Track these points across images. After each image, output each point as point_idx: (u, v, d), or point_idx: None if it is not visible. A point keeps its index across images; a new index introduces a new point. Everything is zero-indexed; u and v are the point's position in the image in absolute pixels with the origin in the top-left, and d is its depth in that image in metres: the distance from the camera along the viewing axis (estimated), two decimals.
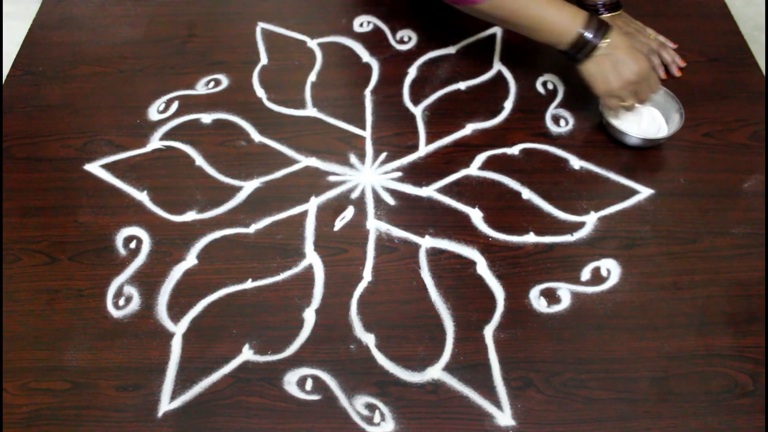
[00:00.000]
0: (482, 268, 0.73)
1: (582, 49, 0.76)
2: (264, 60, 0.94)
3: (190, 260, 0.74)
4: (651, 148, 0.83)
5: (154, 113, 0.88)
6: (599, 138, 0.85)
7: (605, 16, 0.92)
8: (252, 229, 0.77)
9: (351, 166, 0.83)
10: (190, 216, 0.78)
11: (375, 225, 0.77)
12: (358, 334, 0.69)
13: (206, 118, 0.87)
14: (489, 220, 0.77)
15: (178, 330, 0.69)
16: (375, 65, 0.93)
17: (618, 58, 0.76)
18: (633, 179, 0.81)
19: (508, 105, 0.88)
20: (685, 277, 0.73)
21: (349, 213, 0.78)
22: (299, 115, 0.88)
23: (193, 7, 1.01)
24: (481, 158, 0.83)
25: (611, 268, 0.73)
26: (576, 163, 0.82)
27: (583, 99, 0.88)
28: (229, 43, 0.96)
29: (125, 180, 0.81)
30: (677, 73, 0.90)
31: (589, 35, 0.75)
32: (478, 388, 0.65)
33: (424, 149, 0.84)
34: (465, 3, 0.77)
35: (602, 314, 0.70)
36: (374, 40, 0.96)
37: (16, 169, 0.83)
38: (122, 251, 0.75)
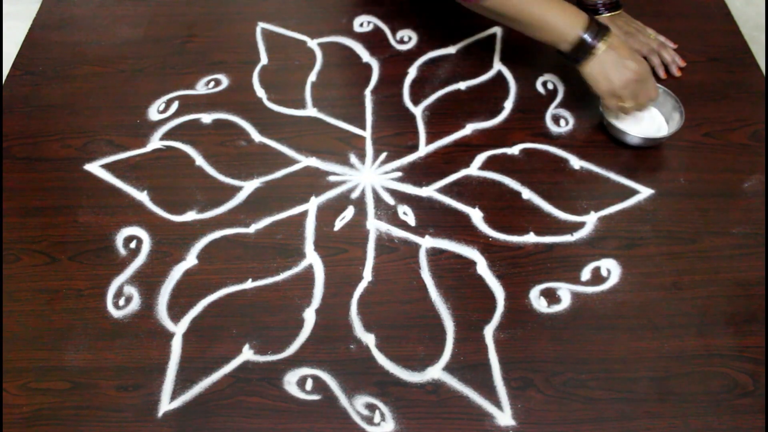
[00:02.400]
0: (482, 268, 0.73)
1: (580, 50, 0.77)
2: (264, 60, 0.94)
3: (190, 260, 0.74)
4: (651, 148, 0.83)
5: (154, 113, 0.88)
6: (599, 138, 0.85)
7: (605, 15, 0.92)
8: (252, 229, 0.77)
9: (351, 166, 0.83)
10: (190, 216, 0.78)
11: (375, 225, 0.77)
12: (358, 334, 0.69)
13: (206, 118, 0.87)
14: (489, 220, 0.77)
15: (178, 330, 0.69)
16: (375, 65, 0.93)
17: (618, 58, 0.77)
18: (633, 179, 0.81)
19: (508, 105, 0.88)
20: (685, 277, 0.73)
21: (349, 213, 0.78)
22: (299, 115, 0.88)
23: (193, 7, 1.01)
24: (481, 158, 0.83)
25: (611, 268, 0.73)
26: (576, 163, 0.82)
27: (583, 99, 0.88)
28: (229, 43, 0.96)
29: (125, 180, 0.81)
30: (677, 73, 0.90)
31: (588, 38, 0.76)
32: (478, 388, 0.65)
33: (424, 149, 0.84)
34: (470, 0, 0.79)
35: (602, 314, 0.70)
36: (374, 40, 0.96)
37: (16, 169, 0.83)
38: (122, 251, 0.75)
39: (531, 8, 0.77)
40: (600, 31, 0.76)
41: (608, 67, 0.77)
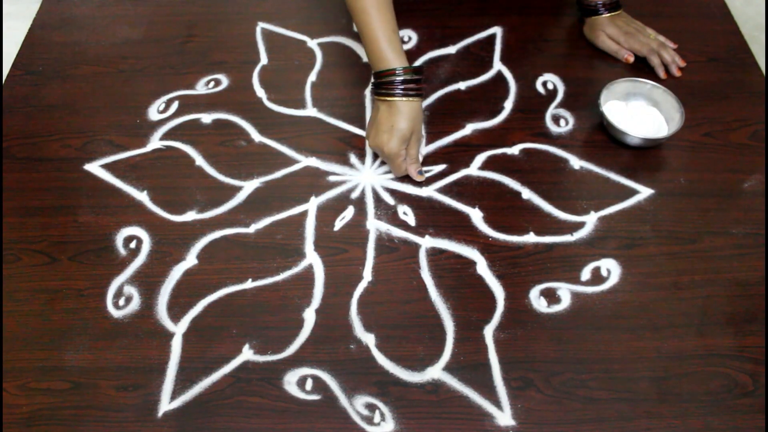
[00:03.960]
0: (482, 268, 0.73)
1: (376, 84, 0.77)
2: (264, 60, 0.94)
3: (190, 260, 0.74)
4: (651, 148, 0.83)
5: (154, 113, 0.88)
6: (599, 138, 0.85)
7: (605, 16, 0.92)
8: (252, 229, 0.77)
9: (351, 166, 0.83)
10: (190, 216, 0.78)
11: (375, 225, 0.77)
12: (358, 334, 0.69)
13: (206, 118, 0.87)
14: (489, 220, 0.77)
15: (178, 330, 0.69)
16: None
17: (377, 123, 0.77)
18: (633, 179, 0.81)
19: (508, 105, 0.88)
20: (685, 277, 0.73)
21: (349, 213, 0.78)
22: (299, 115, 0.88)
23: (193, 7, 1.01)
24: (481, 158, 0.83)
25: (611, 268, 0.73)
26: (576, 163, 0.82)
27: (583, 99, 0.88)
28: (229, 43, 0.96)
29: (125, 180, 0.81)
30: (677, 73, 0.90)
31: (384, 81, 0.76)
32: (478, 388, 0.65)
33: (424, 149, 0.84)
34: None
35: (602, 314, 0.70)
36: None
37: (16, 169, 0.83)
38: (122, 251, 0.75)
39: (360, 22, 0.77)
40: (381, 89, 0.76)
41: (373, 120, 0.78)
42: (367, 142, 0.79)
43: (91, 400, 0.65)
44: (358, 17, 0.77)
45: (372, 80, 0.78)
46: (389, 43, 0.76)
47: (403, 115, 0.76)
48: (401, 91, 0.75)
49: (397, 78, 0.75)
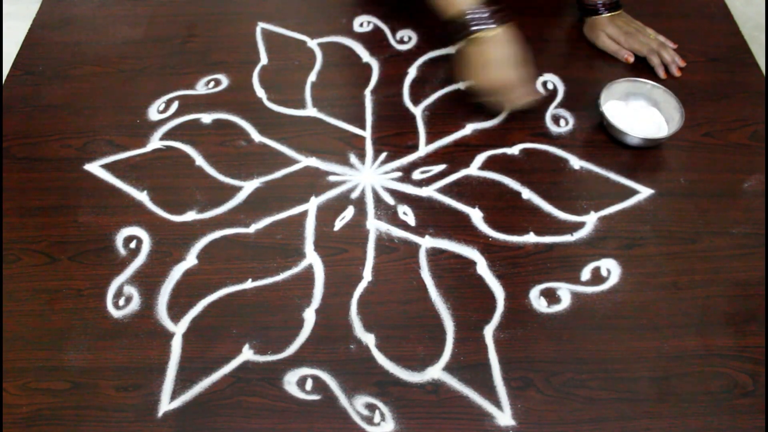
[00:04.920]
0: (482, 268, 0.73)
1: (459, 29, 0.76)
2: (264, 60, 0.94)
3: (190, 260, 0.74)
4: (651, 148, 0.83)
5: (154, 113, 0.88)
6: (599, 138, 0.85)
7: (605, 15, 0.92)
8: (252, 229, 0.77)
9: (351, 166, 0.83)
10: (190, 216, 0.78)
11: (375, 225, 0.77)
12: (358, 334, 0.69)
13: (206, 118, 0.87)
14: (489, 220, 0.77)
15: (178, 330, 0.69)
16: (375, 65, 0.93)
17: (489, 58, 0.76)
18: (633, 179, 0.81)
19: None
20: (685, 277, 0.73)
21: (349, 213, 0.78)
22: (299, 115, 0.88)
23: (193, 7, 1.01)
24: (481, 158, 0.83)
25: (611, 268, 0.73)
26: (576, 163, 0.82)
27: (583, 99, 0.88)
28: (229, 43, 0.96)
29: (125, 180, 0.81)
30: (677, 73, 0.90)
31: (471, 19, 0.75)
32: (478, 388, 0.65)
33: (424, 149, 0.84)
34: None
35: (602, 314, 0.70)
36: (374, 40, 0.96)
37: (16, 169, 0.83)
38: (122, 251, 0.75)
39: None
40: (489, 21, 0.75)
41: (476, 61, 0.76)
42: (470, 81, 0.77)
43: (91, 400, 0.65)
44: None
45: (463, 22, 0.76)
46: None
47: (509, 43, 0.76)
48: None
49: (481, 13, 0.75)
